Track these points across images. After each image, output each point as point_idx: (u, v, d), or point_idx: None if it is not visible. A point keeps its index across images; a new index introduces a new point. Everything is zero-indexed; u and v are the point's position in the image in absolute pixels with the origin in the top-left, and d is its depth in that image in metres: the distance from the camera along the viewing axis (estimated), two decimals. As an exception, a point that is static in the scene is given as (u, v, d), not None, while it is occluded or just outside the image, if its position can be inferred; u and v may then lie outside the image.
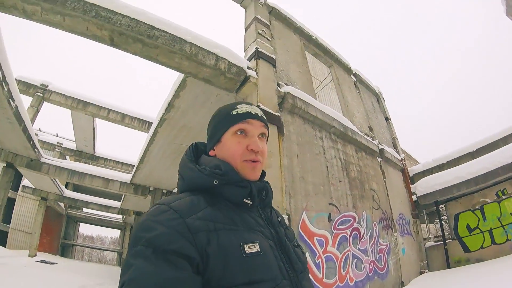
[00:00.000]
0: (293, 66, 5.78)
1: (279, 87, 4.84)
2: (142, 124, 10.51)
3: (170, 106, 5.56)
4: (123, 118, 10.35)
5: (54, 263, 10.09)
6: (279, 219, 0.82)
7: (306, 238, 4.02)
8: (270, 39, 5.52)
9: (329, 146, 5.20)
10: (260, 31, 5.40)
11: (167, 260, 0.52)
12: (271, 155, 3.95)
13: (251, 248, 0.62)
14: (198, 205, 0.64)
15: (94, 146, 13.20)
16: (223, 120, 0.76)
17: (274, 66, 5.07)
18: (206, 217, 0.62)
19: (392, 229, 6.04)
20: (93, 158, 13.65)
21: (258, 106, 4.24)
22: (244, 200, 0.71)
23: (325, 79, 7.00)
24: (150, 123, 10.53)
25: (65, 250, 16.15)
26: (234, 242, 0.61)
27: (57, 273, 7.84)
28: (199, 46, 4.19)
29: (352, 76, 7.75)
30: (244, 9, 6.21)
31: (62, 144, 12.37)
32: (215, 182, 0.68)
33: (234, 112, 0.76)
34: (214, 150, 0.78)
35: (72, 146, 13.20)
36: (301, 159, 4.53)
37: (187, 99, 5.33)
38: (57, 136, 14.77)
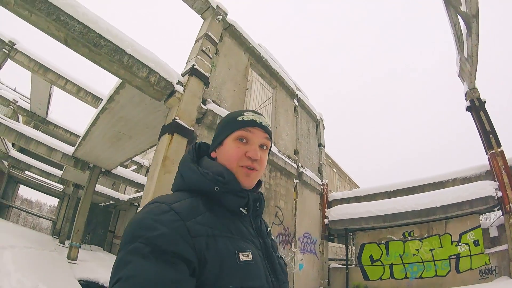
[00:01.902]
0: (229, 84, 7.30)
1: (203, 104, 6.33)
2: (95, 100, 11.73)
3: (111, 99, 6.96)
4: (78, 91, 11.54)
5: (-17, 221, 11.33)
6: (268, 230, 0.94)
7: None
8: (212, 56, 6.98)
9: (240, 161, 6.80)
10: (204, 48, 6.86)
11: (167, 261, 0.60)
12: (174, 162, 5.46)
13: (245, 256, 0.73)
14: (198, 209, 0.74)
15: (47, 111, 14.36)
16: (228, 125, 0.89)
17: (206, 83, 6.54)
18: (205, 222, 0.71)
19: (291, 245, 7.76)
20: (44, 122, 14.76)
21: (174, 119, 5.75)
22: (241, 209, 0.83)
23: (268, 100, 8.59)
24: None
25: (1, 210, 17.24)
26: (230, 249, 0.71)
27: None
28: (136, 59, 5.60)
29: (294, 100, 9.37)
30: (203, 21, 7.67)
31: (17, 102, 13.44)
32: (216, 188, 0.79)
33: (239, 118, 0.88)
34: (215, 152, 0.90)
35: (26, 106, 14.28)
36: None
37: (125, 96, 6.75)
38: (14, 90, 15.77)
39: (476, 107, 9.14)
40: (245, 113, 0.90)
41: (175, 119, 5.67)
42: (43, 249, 10.43)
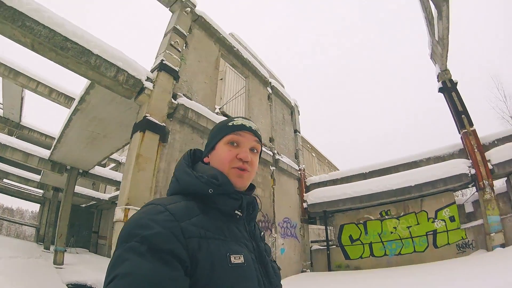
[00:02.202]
0: (200, 77, 7.45)
1: (174, 98, 6.48)
2: (68, 100, 11.64)
3: (82, 99, 7.00)
4: (50, 93, 11.42)
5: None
6: (262, 234, 0.99)
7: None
8: (181, 50, 7.09)
9: (215, 154, 7.03)
10: (172, 42, 6.96)
11: (162, 259, 0.63)
12: (147, 159, 5.63)
13: (237, 259, 0.76)
14: (192, 211, 0.77)
15: (20, 115, 14.15)
16: (219, 130, 0.96)
17: (176, 77, 6.66)
18: (199, 224, 0.75)
19: (271, 230, 8.10)
20: (18, 127, 14.53)
21: (145, 116, 5.89)
22: (236, 212, 0.87)
23: (242, 89, 8.78)
24: (77, 100, 11.79)
25: (-20, 221, 17.09)
26: (222, 251, 0.74)
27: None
28: (103, 59, 5.66)
29: (268, 88, 9.60)
30: (171, 14, 7.73)
31: None
32: (210, 191, 0.82)
33: (230, 124, 0.95)
34: (208, 157, 0.96)
35: None
36: None
37: (96, 96, 6.81)
38: None
39: (448, 88, 9.57)
40: (235, 119, 0.97)
41: (146, 116, 5.80)
42: (28, 257, 10.53)
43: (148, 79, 6.20)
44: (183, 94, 6.80)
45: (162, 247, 0.65)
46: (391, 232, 9.36)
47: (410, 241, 9.18)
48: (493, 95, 19.62)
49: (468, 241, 8.77)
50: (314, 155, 19.72)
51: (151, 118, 5.85)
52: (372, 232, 9.58)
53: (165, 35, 7.22)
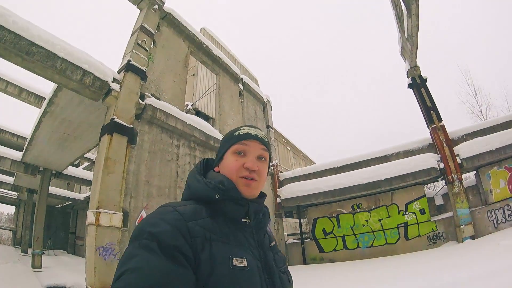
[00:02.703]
0: (169, 75, 7.74)
1: (141, 99, 6.75)
2: (38, 100, 11.75)
3: (50, 102, 7.19)
4: (20, 92, 11.52)
5: None
6: (272, 244, 1.03)
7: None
8: (148, 49, 7.35)
9: (185, 153, 7.38)
10: (140, 41, 7.21)
11: (170, 255, 0.69)
12: (116, 162, 5.91)
13: (239, 262, 0.79)
14: (200, 213, 0.84)
15: None
16: (226, 140, 1.02)
17: (144, 78, 6.92)
18: (205, 225, 0.81)
19: (245, 227, 8.52)
20: None
21: (112, 119, 6.17)
22: (241, 219, 0.92)
23: (212, 87, 9.13)
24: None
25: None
26: (224, 253, 0.78)
27: None
28: (69, 62, 5.86)
29: (239, 85, 9.97)
30: (139, 11, 7.97)
31: None
32: (217, 196, 0.89)
33: (236, 133, 1.01)
34: (218, 166, 1.02)
35: None
36: (150, 165, 6.59)
37: (64, 99, 7.03)
38: None
39: (418, 84, 10.12)
40: (241, 128, 1.02)
41: (113, 118, 6.08)
42: (6, 262, 10.69)
43: (114, 80, 6.46)
44: (151, 94, 7.09)
45: (170, 243, 0.71)
46: (363, 225, 9.94)
47: (382, 233, 9.79)
48: (464, 90, 20.54)
49: (439, 233, 9.43)
50: (289, 149, 20.32)
51: (118, 120, 6.13)
52: (344, 225, 10.14)
53: (132, 33, 7.47)
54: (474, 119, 19.63)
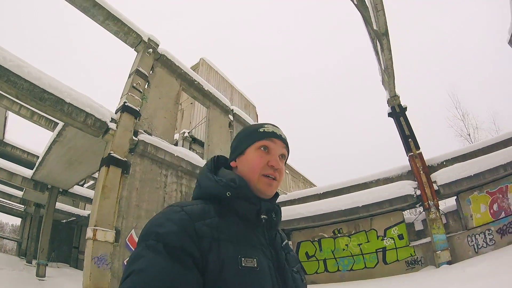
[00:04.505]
0: (161, 112, 9.90)
1: (135, 135, 8.89)
2: (48, 123, 14.40)
3: (59, 134, 9.52)
4: (32, 115, 14.20)
5: None
6: (283, 244, 1.11)
7: (131, 247, 8.16)
8: (142, 90, 9.52)
9: (172, 181, 9.48)
10: (135, 84, 9.40)
11: (176, 256, 0.77)
12: (111, 189, 8.06)
13: (249, 263, 0.86)
14: (208, 213, 0.92)
15: (3, 133, 17.24)
16: (250, 135, 1.11)
17: (137, 116, 9.08)
18: (213, 225, 0.89)
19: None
20: (1, 144, 17.59)
21: (109, 154, 8.33)
22: (251, 216, 1.00)
23: (203, 119, 11.26)
24: (56, 123, 14.42)
25: (-41, 235, 19.99)
26: (233, 253, 0.85)
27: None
28: (75, 106, 8.11)
29: (229, 116, 12.05)
30: (136, 53, 10.22)
31: None
32: (228, 194, 0.98)
33: (261, 130, 1.11)
34: (235, 161, 1.12)
35: None
36: (141, 192, 8.71)
37: (71, 132, 9.28)
38: None
39: (397, 113, 11.85)
40: (265, 125, 1.15)
41: (110, 153, 8.23)
42: (13, 270, 13.07)
43: (112, 120, 8.65)
44: (144, 131, 9.26)
45: (176, 244, 0.80)
46: (343, 249, 11.67)
47: (361, 257, 11.46)
48: (452, 114, 22.99)
49: (417, 257, 10.91)
50: (287, 172, 22.21)
51: (114, 155, 8.29)
52: (326, 249, 11.91)
53: (129, 76, 9.68)
54: (463, 142, 21.69)
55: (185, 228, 0.84)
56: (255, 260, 0.89)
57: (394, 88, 11.80)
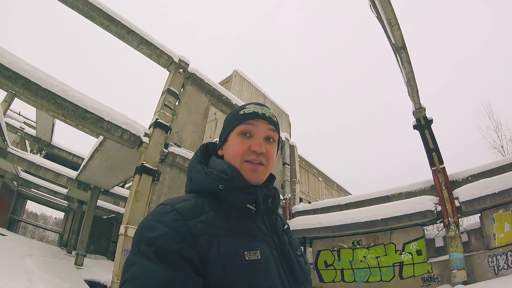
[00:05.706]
0: (190, 126, 11.65)
1: (165, 148, 10.70)
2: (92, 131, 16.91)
3: (100, 145, 11.61)
4: (77, 124, 16.68)
5: (4, 235, 16.90)
6: (285, 228, 1.14)
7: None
8: (173, 107, 11.31)
9: (197, 189, 11.20)
10: (166, 102, 11.21)
11: (169, 261, 0.78)
12: (142, 194, 9.91)
13: (252, 255, 0.88)
14: (202, 208, 0.92)
15: (51, 136, 20.29)
16: (230, 120, 1.11)
17: (168, 131, 10.90)
18: (209, 221, 0.89)
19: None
20: (49, 146, 20.76)
21: (142, 164, 10.21)
22: (248, 206, 1.01)
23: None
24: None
25: (11, 224, 23.25)
26: (234, 248, 0.87)
27: (9, 243, 14.47)
28: (112, 123, 10.03)
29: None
30: (168, 73, 12.03)
31: (23, 129, 19.21)
32: (221, 186, 0.98)
33: (241, 112, 1.09)
34: (222, 149, 1.13)
35: (32, 132, 20.21)
36: (168, 197, 10.33)
37: (111, 143, 11.29)
38: (19, 114, 21.78)
39: (422, 126, 12.58)
40: (246, 106, 1.12)
41: (143, 163, 10.10)
42: (54, 257, 15.45)
43: (145, 134, 10.53)
44: (174, 143, 11.06)
45: (168, 248, 0.80)
46: (361, 261, 12.70)
47: (378, 270, 12.38)
48: (485, 125, 22.68)
49: (434, 275, 11.48)
50: (320, 179, 23.25)
51: (146, 165, 10.14)
52: (344, 259, 13.03)
53: (162, 94, 11.49)
54: (496, 154, 21.44)
55: (178, 230, 0.85)
56: (258, 251, 0.92)
57: (419, 100, 12.45)
